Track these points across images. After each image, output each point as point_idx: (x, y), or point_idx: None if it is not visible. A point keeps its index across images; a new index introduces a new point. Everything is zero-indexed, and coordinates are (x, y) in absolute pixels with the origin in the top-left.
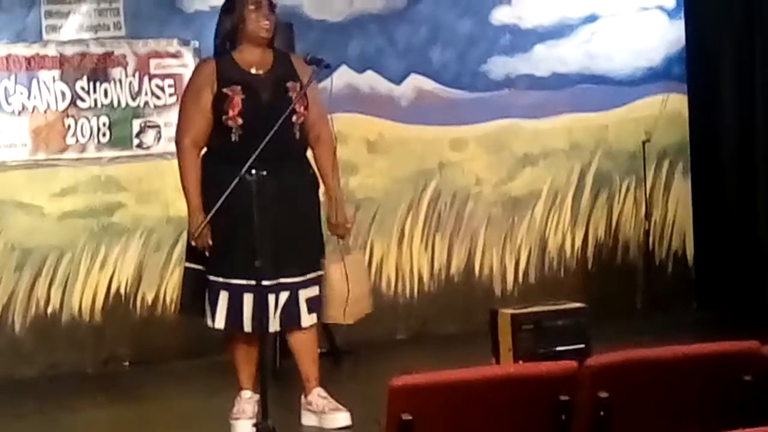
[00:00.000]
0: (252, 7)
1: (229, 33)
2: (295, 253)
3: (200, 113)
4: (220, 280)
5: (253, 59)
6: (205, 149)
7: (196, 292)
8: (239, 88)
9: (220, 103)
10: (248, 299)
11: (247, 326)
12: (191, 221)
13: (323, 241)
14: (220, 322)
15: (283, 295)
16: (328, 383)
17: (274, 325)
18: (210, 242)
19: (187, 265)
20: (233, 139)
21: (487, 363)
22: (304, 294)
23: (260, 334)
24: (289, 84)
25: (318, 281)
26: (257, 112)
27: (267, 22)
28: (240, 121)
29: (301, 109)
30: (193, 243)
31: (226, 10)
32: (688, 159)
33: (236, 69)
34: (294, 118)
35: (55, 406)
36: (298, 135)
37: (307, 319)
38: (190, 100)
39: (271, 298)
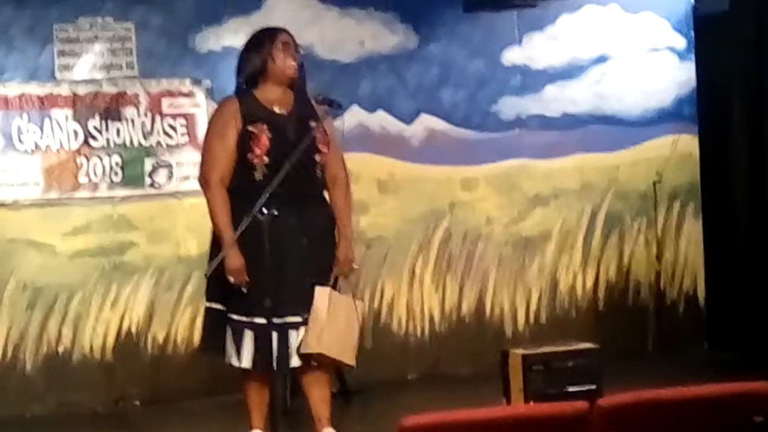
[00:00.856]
0: (280, 46)
1: (255, 71)
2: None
3: (226, 150)
4: (245, 319)
5: (275, 98)
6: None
7: (217, 332)
8: (265, 126)
9: (245, 141)
10: (274, 338)
11: (273, 364)
12: (228, 258)
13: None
14: (246, 362)
15: (303, 330)
16: (338, 423)
17: (295, 361)
18: (247, 278)
19: (208, 304)
20: (257, 177)
21: (497, 403)
22: None
23: (272, 373)
24: (312, 123)
25: None
26: (283, 150)
27: (294, 63)
28: (266, 159)
29: (324, 148)
30: (231, 279)
31: (252, 47)
32: (699, 199)
33: (260, 107)
34: (317, 157)
35: None
36: (318, 174)
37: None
38: (215, 138)
39: (293, 334)
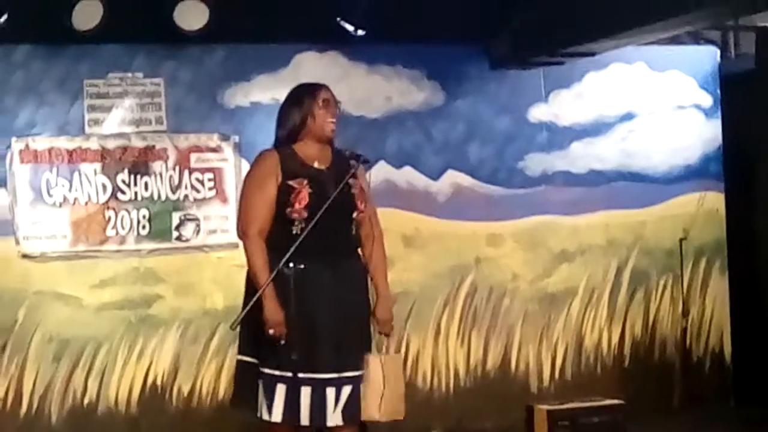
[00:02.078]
0: (321, 104)
1: (295, 127)
2: (356, 345)
3: (265, 203)
4: (277, 373)
5: (314, 154)
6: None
7: (249, 386)
8: (306, 181)
9: (285, 195)
10: (306, 392)
11: (305, 419)
12: (267, 310)
13: (371, 334)
14: (276, 416)
15: (346, 389)
16: None
17: (333, 419)
18: (285, 330)
19: (240, 357)
20: (294, 231)
21: None
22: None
23: (299, 428)
24: (351, 181)
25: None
26: (323, 206)
27: (333, 121)
28: (305, 214)
29: (362, 206)
30: (271, 332)
31: (293, 103)
32: (725, 256)
33: (300, 162)
34: (355, 214)
35: None
36: (353, 230)
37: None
38: (255, 190)
39: (330, 391)
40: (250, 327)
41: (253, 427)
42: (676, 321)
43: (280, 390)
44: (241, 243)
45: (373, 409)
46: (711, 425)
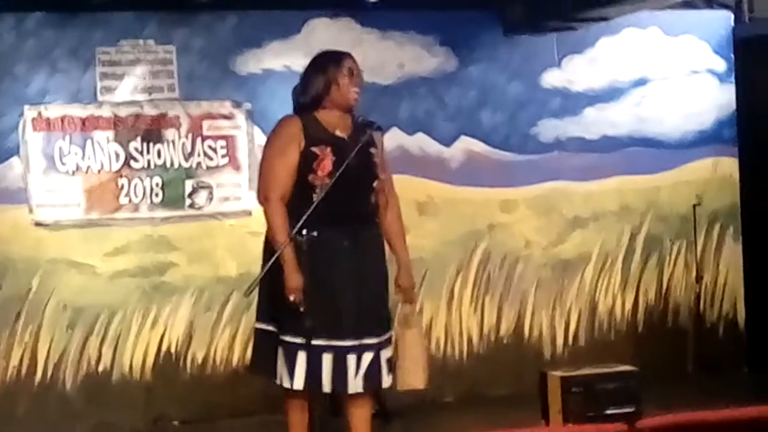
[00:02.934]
0: (345, 72)
1: (318, 94)
2: (375, 312)
3: (287, 169)
4: (297, 341)
5: (336, 122)
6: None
7: (269, 353)
8: (329, 149)
9: (307, 162)
10: (327, 359)
11: (326, 386)
12: (289, 276)
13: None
14: (298, 383)
15: (367, 356)
16: None
17: (355, 386)
18: (302, 297)
19: (258, 326)
20: (314, 198)
21: (536, 425)
22: (384, 354)
23: (318, 395)
24: (372, 150)
25: (392, 341)
26: (345, 175)
27: (357, 90)
28: (327, 181)
29: (382, 175)
30: (292, 298)
31: (318, 70)
32: (739, 222)
33: (323, 130)
34: (375, 183)
35: None
36: (372, 199)
37: (387, 380)
38: (277, 155)
39: (351, 358)
40: (268, 294)
41: (266, 393)
42: (689, 287)
43: (301, 358)
44: (255, 209)
45: (415, 380)
46: (724, 391)
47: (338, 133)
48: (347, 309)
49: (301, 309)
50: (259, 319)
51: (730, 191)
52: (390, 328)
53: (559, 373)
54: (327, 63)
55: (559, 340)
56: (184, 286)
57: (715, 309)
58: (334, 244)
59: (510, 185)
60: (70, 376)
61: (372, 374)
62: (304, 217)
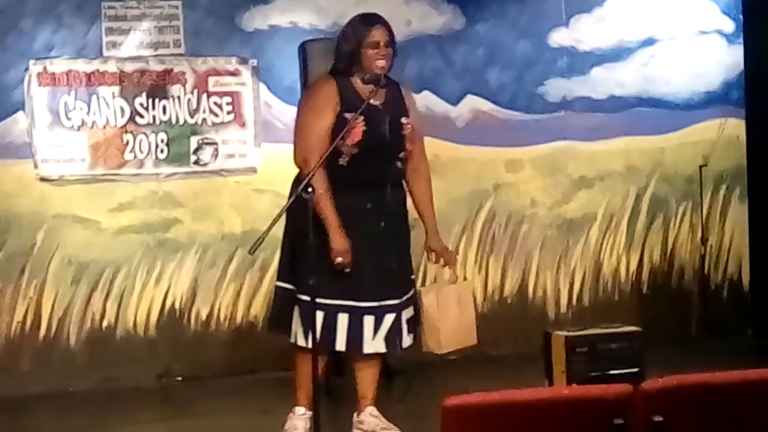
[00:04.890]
0: (371, 44)
1: (348, 60)
2: (397, 274)
3: (325, 132)
4: (316, 299)
5: (370, 88)
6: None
7: (285, 311)
8: (362, 118)
9: (340, 127)
10: (342, 319)
11: (340, 345)
12: (336, 240)
13: (411, 263)
14: (312, 341)
15: (389, 318)
16: (380, 403)
17: (372, 347)
18: (350, 260)
19: (279, 284)
20: (341, 162)
21: (540, 385)
22: (406, 314)
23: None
24: (404, 120)
25: (413, 301)
26: (374, 144)
27: (383, 62)
28: (355, 150)
29: (410, 146)
30: (339, 260)
31: (348, 37)
32: (745, 184)
33: (357, 96)
34: (402, 154)
35: (108, 420)
36: (400, 165)
37: (407, 340)
38: (315, 118)
39: (369, 319)
40: (287, 254)
41: (269, 350)
42: (694, 248)
43: (318, 317)
44: (260, 166)
45: (432, 342)
46: (728, 354)
47: (373, 101)
48: (368, 271)
49: (347, 270)
50: (279, 277)
51: (737, 153)
52: (412, 287)
53: (563, 333)
54: (356, 31)
55: (564, 300)
56: (188, 243)
57: (720, 271)
58: (356, 206)
59: (516, 145)
60: (74, 332)
61: (392, 335)
62: (310, 175)
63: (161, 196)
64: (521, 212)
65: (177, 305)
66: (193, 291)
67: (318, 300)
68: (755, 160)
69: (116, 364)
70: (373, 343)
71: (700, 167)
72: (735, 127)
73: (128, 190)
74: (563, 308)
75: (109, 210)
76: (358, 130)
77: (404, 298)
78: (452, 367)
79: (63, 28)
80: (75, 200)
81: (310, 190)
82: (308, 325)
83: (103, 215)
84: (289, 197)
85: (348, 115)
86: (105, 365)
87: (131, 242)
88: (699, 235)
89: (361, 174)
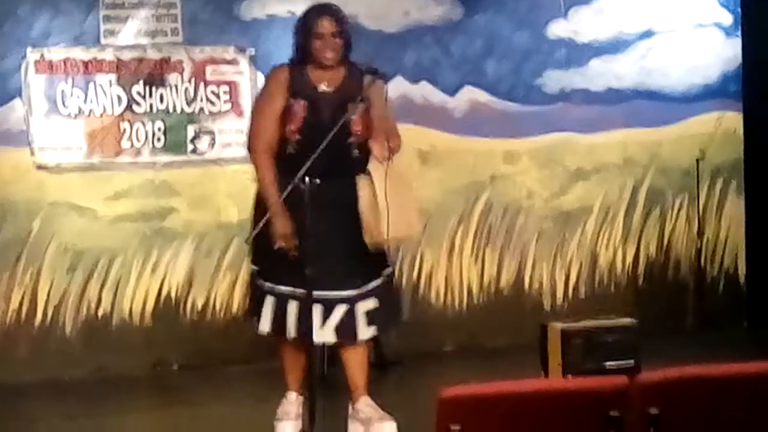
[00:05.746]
0: (317, 35)
1: (300, 50)
2: (353, 264)
3: (273, 119)
4: (267, 285)
5: (324, 75)
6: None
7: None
8: (304, 103)
9: (286, 114)
10: (293, 307)
11: (291, 332)
12: (277, 223)
13: (384, 253)
14: (264, 326)
15: (339, 309)
16: (375, 393)
17: (323, 336)
18: (296, 243)
19: (253, 267)
20: (289, 150)
21: (536, 377)
22: (363, 306)
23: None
24: (351, 105)
25: (377, 292)
26: (316, 130)
27: (331, 53)
28: (297, 136)
29: (359, 129)
30: (280, 244)
31: (299, 29)
32: (742, 177)
33: (306, 83)
34: (351, 139)
35: (103, 408)
36: (357, 153)
37: (365, 331)
38: (264, 106)
39: (317, 308)
40: (260, 238)
41: (265, 340)
42: (691, 241)
43: (269, 302)
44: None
45: (375, 232)
46: (724, 346)
47: (323, 87)
48: (317, 260)
49: (293, 254)
50: (252, 261)
51: (734, 146)
52: (375, 278)
53: (559, 325)
54: (304, 22)
55: (560, 292)
56: (184, 232)
57: (716, 264)
58: (304, 194)
59: (513, 136)
60: (70, 319)
61: (346, 326)
62: (307, 165)
63: (158, 185)
64: (518, 204)
65: (173, 294)
66: (189, 280)
67: (269, 285)
68: (752, 153)
69: (112, 352)
70: (322, 333)
71: (697, 160)
72: (732, 120)
73: (125, 178)
74: (559, 300)
75: (106, 198)
76: (299, 115)
77: (363, 290)
78: (447, 358)
79: (60, 16)
80: (71, 188)
81: (307, 180)
82: (260, 309)
83: (100, 203)
84: (255, 198)
85: (293, 102)
86: (100, 353)
87: (127, 231)
88: (695, 228)
89: (311, 163)
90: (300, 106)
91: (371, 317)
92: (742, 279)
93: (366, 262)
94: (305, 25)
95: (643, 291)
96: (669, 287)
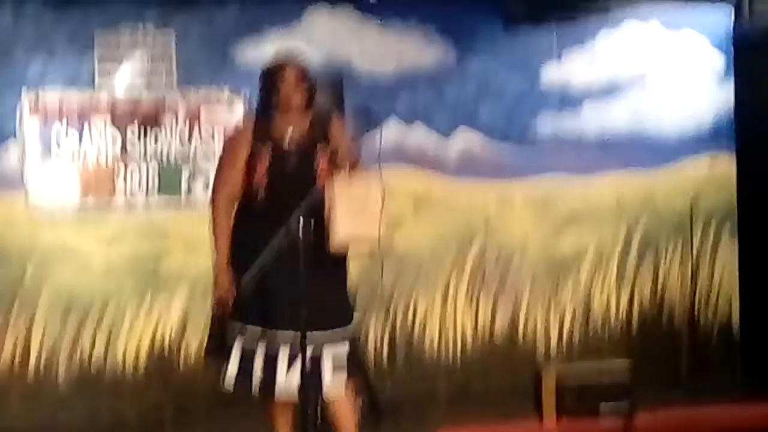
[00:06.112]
0: (282, 80)
1: (264, 101)
2: (321, 309)
3: (234, 170)
4: (237, 325)
5: (289, 121)
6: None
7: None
8: (270, 150)
9: (251, 162)
10: (260, 351)
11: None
12: (220, 276)
13: (351, 302)
14: (229, 381)
15: (306, 352)
16: None
17: (287, 387)
18: (233, 295)
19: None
20: (259, 197)
21: (530, 421)
22: (331, 351)
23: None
24: (318, 150)
25: (347, 337)
26: (282, 178)
27: (296, 97)
28: (264, 183)
29: (324, 169)
30: (219, 296)
31: (261, 75)
32: (736, 222)
33: (271, 129)
34: (318, 181)
35: None
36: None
37: (333, 379)
38: (226, 156)
39: (284, 352)
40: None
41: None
42: (684, 286)
43: (237, 347)
44: None
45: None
46: (718, 392)
47: (288, 133)
48: (282, 301)
49: (227, 311)
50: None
51: (727, 190)
52: (343, 324)
53: (553, 370)
54: (269, 70)
55: (554, 337)
56: (179, 275)
57: (710, 309)
58: (271, 239)
59: (507, 179)
60: (63, 365)
61: (312, 375)
62: (298, 214)
63: (152, 227)
64: (512, 248)
65: (167, 339)
66: (184, 323)
67: (242, 326)
68: (745, 197)
69: (105, 398)
70: (286, 383)
71: (691, 204)
72: (725, 164)
73: (119, 221)
74: (553, 345)
75: (100, 241)
76: (264, 163)
77: (331, 333)
78: (442, 403)
79: (55, 57)
80: (65, 231)
81: (301, 219)
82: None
83: (94, 246)
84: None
85: (257, 151)
86: (94, 400)
87: (121, 274)
88: (689, 272)
89: (277, 208)
90: (266, 153)
91: (340, 363)
92: (736, 325)
93: (338, 308)
94: (269, 74)
95: (637, 337)
96: (663, 333)
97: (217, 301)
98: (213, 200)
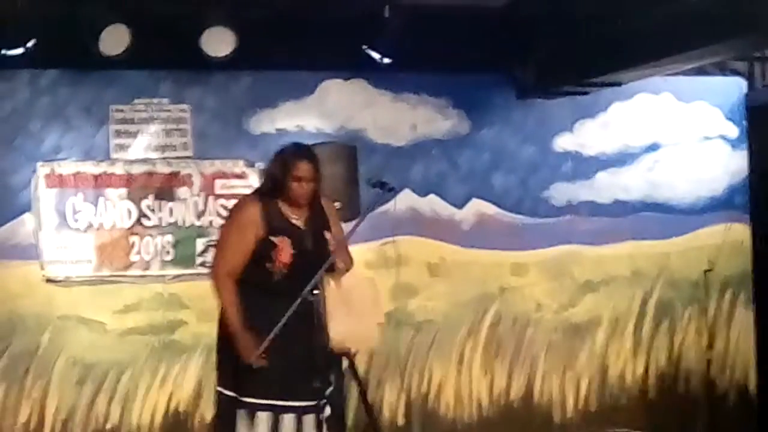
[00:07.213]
0: (294, 179)
1: (275, 186)
2: (313, 375)
3: (241, 251)
4: (262, 401)
5: (295, 210)
6: (239, 280)
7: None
8: (288, 240)
9: (266, 249)
10: (289, 420)
11: None
12: (244, 344)
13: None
14: None
15: (307, 418)
16: None
17: None
18: (262, 357)
19: (220, 389)
20: (275, 278)
21: None
22: (313, 417)
23: None
24: (327, 234)
25: (330, 400)
26: (302, 261)
27: (307, 196)
28: (286, 271)
29: (337, 259)
30: (254, 363)
31: (276, 166)
32: (751, 289)
33: (282, 218)
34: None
35: None
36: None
37: None
38: (233, 236)
39: (289, 419)
40: (228, 361)
41: None
42: (700, 353)
43: (263, 418)
44: None
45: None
46: None
47: (295, 221)
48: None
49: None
50: (219, 382)
51: (742, 258)
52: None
53: None
54: (282, 163)
55: (569, 405)
56: (193, 345)
57: (726, 375)
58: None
59: (521, 248)
60: None
61: None
62: (315, 280)
63: (167, 298)
64: (527, 315)
65: (181, 408)
66: (198, 393)
67: (268, 402)
68: (760, 265)
69: None
70: None
71: (706, 272)
72: (740, 232)
73: (134, 291)
74: (569, 412)
75: (115, 311)
76: (287, 250)
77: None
78: None
79: (71, 131)
80: (80, 301)
81: (316, 292)
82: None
83: (109, 317)
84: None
85: (274, 239)
86: None
87: (136, 344)
88: (705, 339)
89: (293, 286)
90: (284, 242)
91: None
92: (752, 391)
93: (324, 372)
94: (285, 164)
95: (653, 403)
96: (679, 399)
97: (253, 364)
98: (216, 275)
